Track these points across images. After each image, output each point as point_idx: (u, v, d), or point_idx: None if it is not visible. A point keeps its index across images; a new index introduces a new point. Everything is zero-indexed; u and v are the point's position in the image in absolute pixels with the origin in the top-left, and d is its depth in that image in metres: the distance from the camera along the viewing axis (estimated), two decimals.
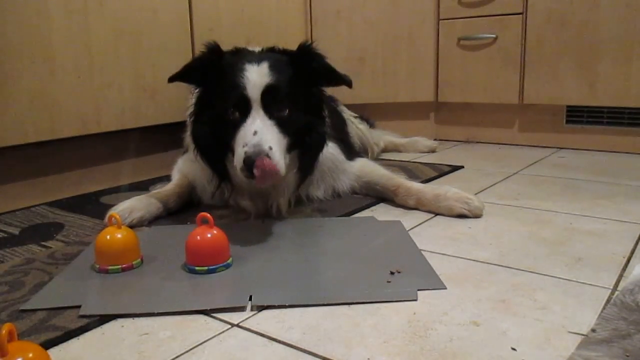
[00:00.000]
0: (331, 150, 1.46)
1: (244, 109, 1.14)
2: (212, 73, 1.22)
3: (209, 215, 0.98)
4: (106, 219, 1.22)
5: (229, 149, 1.20)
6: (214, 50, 1.24)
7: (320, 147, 1.29)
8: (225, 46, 2.05)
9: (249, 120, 1.12)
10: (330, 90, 1.35)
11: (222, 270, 0.99)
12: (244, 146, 1.08)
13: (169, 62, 1.84)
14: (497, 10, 2.24)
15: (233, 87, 1.15)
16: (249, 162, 1.04)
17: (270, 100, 1.14)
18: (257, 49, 1.32)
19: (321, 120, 1.28)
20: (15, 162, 1.54)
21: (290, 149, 1.21)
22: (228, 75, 1.18)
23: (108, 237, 1.01)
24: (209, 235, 0.98)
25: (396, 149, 2.27)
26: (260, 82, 1.15)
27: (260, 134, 1.09)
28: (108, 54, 1.66)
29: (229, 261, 1.01)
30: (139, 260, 1.04)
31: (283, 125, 1.15)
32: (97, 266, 1.01)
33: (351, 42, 2.44)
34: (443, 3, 2.36)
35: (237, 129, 1.13)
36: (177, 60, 1.88)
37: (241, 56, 1.24)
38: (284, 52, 1.28)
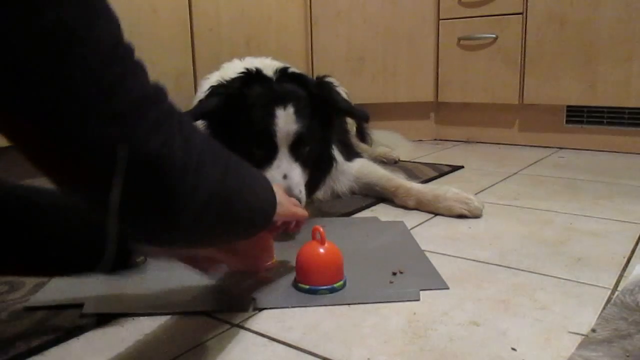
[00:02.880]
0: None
1: (272, 151, 1.18)
2: (235, 112, 1.20)
3: (321, 229, 0.90)
4: None
5: None
6: (232, 95, 1.22)
7: (329, 169, 1.33)
8: (225, 46, 2.05)
9: (276, 163, 1.17)
10: (324, 70, 1.34)
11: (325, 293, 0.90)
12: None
13: (169, 62, 1.84)
14: (497, 10, 2.24)
15: (262, 133, 1.17)
16: None
17: (297, 144, 1.19)
18: (270, 69, 1.29)
19: (330, 144, 1.32)
20: (15, 162, 1.54)
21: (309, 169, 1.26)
22: (255, 118, 1.18)
23: None
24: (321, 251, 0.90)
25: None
26: (289, 130, 1.17)
27: (290, 178, 1.15)
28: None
29: (336, 284, 0.91)
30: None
31: (305, 162, 1.21)
32: None
33: (351, 42, 2.44)
34: (443, 3, 2.36)
35: (262, 166, 1.16)
36: (177, 60, 1.88)
37: (264, 93, 1.21)
38: (301, 81, 1.27)
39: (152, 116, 0.51)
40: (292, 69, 1.32)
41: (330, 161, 1.34)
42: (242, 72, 1.27)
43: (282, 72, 1.29)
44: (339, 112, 1.31)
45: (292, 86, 1.25)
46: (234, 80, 1.26)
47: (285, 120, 1.17)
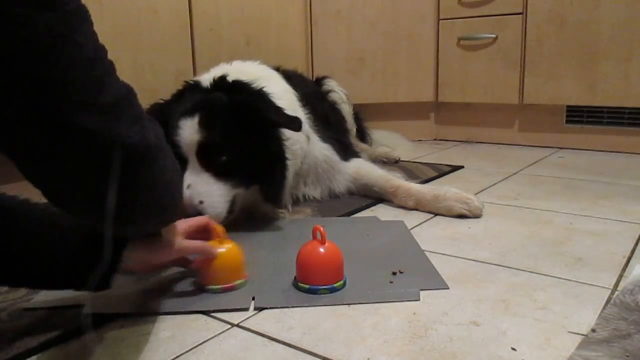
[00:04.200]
0: (325, 151, 1.46)
1: (182, 163, 1.13)
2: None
3: (321, 229, 0.90)
4: None
5: None
6: (154, 111, 1.23)
7: (281, 180, 1.25)
8: (226, 46, 2.05)
9: (185, 174, 1.15)
10: (323, 70, 1.29)
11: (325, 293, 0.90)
12: None
13: (169, 62, 1.84)
14: (497, 10, 2.24)
15: (172, 145, 1.14)
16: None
17: (204, 153, 1.16)
18: (208, 80, 1.27)
19: (279, 154, 1.24)
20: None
21: (249, 183, 1.22)
22: (168, 131, 1.17)
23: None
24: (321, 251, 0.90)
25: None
26: (192, 140, 1.15)
27: (192, 188, 1.13)
28: (108, 54, 1.66)
29: (336, 284, 0.91)
30: (244, 280, 0.94)
31: (224, 171, 1.16)
32: (198, 282, 0.93)
33: (351, 42, 2.44)
34: (443, 3, 2.36)
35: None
36: (177, 60, 1.88)
37: (180, 105, 1.22)
38: (235, 89, 1.23)
39: (132, 111, 0.58)
40: (232, 78, 1.26)
41: (281, 175, 1.25)
42: (182, 85, 1.31)
43: (217, 82, 1.25)
44: (268, 123, 1.21)
45: (213, 96, 1.22)
46: (174, 94, 1.28)
47: (189, 131, 1.15)
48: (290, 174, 1.29)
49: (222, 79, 1.26)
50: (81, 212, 0.62)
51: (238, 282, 0.93)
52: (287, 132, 1.25)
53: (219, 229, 0.93)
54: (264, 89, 1.25)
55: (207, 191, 1.14)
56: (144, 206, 0.64)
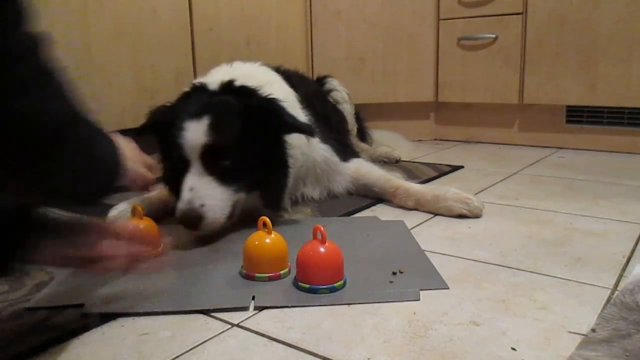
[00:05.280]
0: (324, 152, 1.45)
1: (186, 165, 1.15)
2: (166, 129, 1.22)
3: (322, 229, 0.90)
4: (111, 216, 1.25)
5: None
6: (159, 113, 1.26)
7: (282, 187, 1.26)
8: (225, 46, 2.05)
9: (188, 176, 1.14)
10: (323, 70, 1.27)
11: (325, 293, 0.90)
12: (181, 201, 1.12)
13: (169, 62, 1.84)
14: (497, 10, 2.24)
15: (175, 146, 1.16)
16: (182, 221, 1.11)
17: (209, 157, 1.14)
18: (214, 82, 1.26)
19: (283, 161, 1.24)
20: None
21: (250, 189, 1.21)
22: (173, 132, 1.17)
23: (257, 242, 0.96)
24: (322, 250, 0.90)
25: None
26: (197, 143, 1.14)
27: (194, 191, 1.12)
28: (108, 54, 1.66)
29: (336, 284, 0.91)
30: (287, 270, 0.97)
31: (227, 176, 1.15)
32: (245, 272, 0.97)
33: (351, 42, 2.44)
34: (443, 3, 2.36)
35: (182, 180, 1.16)
36: (177, 60, 1.88)
37: (187, 107, 1.21)
38: (245, 94, 1.23)
39: (18, 74, 0.53)
40: (240, 82, 1.26)
41: (281, 182, 1.25)
42: (189, 87, 1.30)
43: (226, 86, 1.25)
44: (283, 127, 1.22)
45: (222, 99, 1.22)
46: (180, 96, 1.29)
47: (196, 133, 1.14)
48: (290, 180, 1.30)
49: (231, 82, 1.26)
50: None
51: (283, 271, 0.96)
52: (289, 137, 1.26)
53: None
54: (273, 95, 1.25)
55: (208, 195, 1.13)
56: (70, 175, 0.64)
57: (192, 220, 1.10)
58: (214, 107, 1.19)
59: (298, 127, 1.23)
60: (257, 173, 1.21)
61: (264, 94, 1.24)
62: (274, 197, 1.27)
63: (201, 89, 1.28)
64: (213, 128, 1.15)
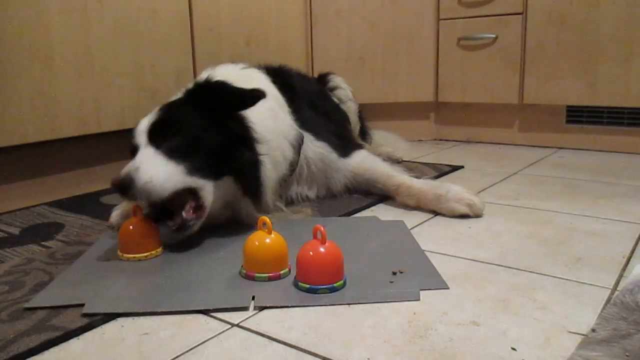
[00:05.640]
0: (320, 149, 1.44)
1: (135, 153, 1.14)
2: None
3: (322, 228, 0.90)
4: (113, 219, 1.25)
5: None
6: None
7: (253, 168, 1.20)
8: (225, 46, 2.05)
9: (136, 156, 1.11)
10: (325, 66, 1.25)
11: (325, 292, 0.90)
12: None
13: (169, 62, 1.84)
14: (497, 10, 2.24)
15: (131, 145, 1.17)
16: (113, 184, 1.06)
17: (156, 134, 1.13)
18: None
19: (243, 138, 1.20)
20: (15, 162, 1.54)
21: (217, 173, 1.15)
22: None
23: (257, 242, 0.96)
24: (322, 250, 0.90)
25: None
26: (144, 127, 1.15)
27: (135, 162, 1.08)
28: (108, 54, 1.66)
29: (336, 284, 0.91)
30: (287, 270, 0.97)
31: (176, 153, 1.10)
32: (244, 272, 0.97)
33: (351, 42, 2.44)
34: (443, 3, 2.36)
35: None
36: (177, 60, 1.88)
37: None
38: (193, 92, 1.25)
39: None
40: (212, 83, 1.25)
41: (252, 163, 1.20)
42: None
43: (190, 90, 1.26)
44: (226, 101, 1.19)
45: (175, 100, 1.25)
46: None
47: (143, 123, 1.17)
48: (268, 171, 1.24)
49: (197, 85, 1.26)
50: None
51: (283, 271, 0.96)
52: (264, 135, 1.23)
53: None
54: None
55: (146, 162, 1.08)
56: None
57: (122, 183, 1.04)
58: (165, 105, 1.22)
59: (240, 95, 1.19)
60: (218, 153, 1.15)
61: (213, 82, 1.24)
62: (250, 182, 1.20)
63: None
64: (160, 112, 1.18)
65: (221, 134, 1.17)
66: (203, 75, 1.36)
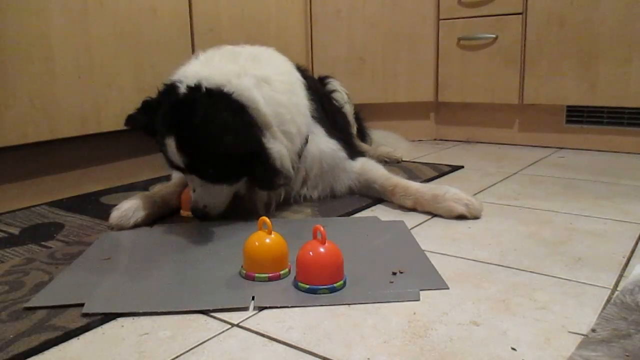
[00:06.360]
0: (332, 145, 1.44)
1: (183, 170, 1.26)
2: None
3: (322, 229, 0.91)
4: (113, 219, 1.25)
5: None
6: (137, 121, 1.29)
7: (269, 170, 1.24)
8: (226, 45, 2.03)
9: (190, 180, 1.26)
10: (324, 71, 1.26)
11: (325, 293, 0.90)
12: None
13: (169, 62, 1.83)
14: (497, 10, 2.24)
15: (165, 155, 1.25)
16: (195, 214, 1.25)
17: (194, 171, 1.23)
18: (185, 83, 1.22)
19: (258, 152, 1.22)
20: (15, 162, 1.54)
21: (239, 178, 1.28)
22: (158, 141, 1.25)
23: (257, 242, 0.96)
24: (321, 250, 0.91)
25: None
26: (180, 161, 1.21)
27: (197, 193, 1.25)
28: (108, 54, 1.66)
29: (336, 284, 0.91)
30: (287, 270, 0.97)
31: (218, 178, 1.24)
32: (244, 272, 0.97)
33: (351, 42, 2.44)
34: (443, 3, 2.36)
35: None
36: (177, 60, 1.88)
37: (160, 114, 1.22)
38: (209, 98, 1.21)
39: None
40: (208, 84, 1.21)
41: (262, 163, 1.22)
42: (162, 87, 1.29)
43: (192, 89, 1.21)
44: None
45: (183, 113, 1.17)
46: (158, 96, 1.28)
47: (174, 152, 1.20)
48: (282, 156, 1.25)
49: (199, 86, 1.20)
50: None
51: (283, 271, 0.96)
52: (277, 110, 1.26)
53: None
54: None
55: (208, 196, 1.25)
56: None
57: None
58: (176, 123, 1.18)
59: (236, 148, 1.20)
60: (242, 166, 1.24)
61: (233, 99, 1.19)
62: (262, 180, 1.27)
63: (169, 91, 1.24)
64: (181, 150, 1.19)
65: (241, 154, 1.21)
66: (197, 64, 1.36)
